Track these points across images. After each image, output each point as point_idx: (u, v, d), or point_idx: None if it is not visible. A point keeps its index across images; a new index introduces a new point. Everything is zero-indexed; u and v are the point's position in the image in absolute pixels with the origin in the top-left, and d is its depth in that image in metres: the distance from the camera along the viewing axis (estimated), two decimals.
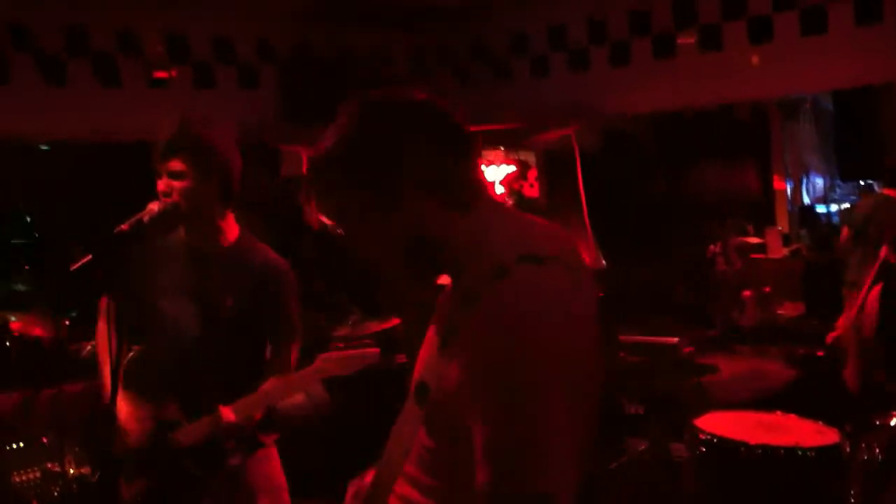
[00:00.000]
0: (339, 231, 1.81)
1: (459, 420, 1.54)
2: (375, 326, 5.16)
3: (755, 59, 6.74)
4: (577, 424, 1.55)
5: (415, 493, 1.73)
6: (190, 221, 3.27)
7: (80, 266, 3.02)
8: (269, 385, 3.10)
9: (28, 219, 7.38)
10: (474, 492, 1.51)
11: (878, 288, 4.42)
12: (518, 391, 1.48)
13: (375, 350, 2.95)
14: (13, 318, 5.13)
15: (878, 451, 3.47)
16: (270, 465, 3.36)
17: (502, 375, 1.48)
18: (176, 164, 3.14)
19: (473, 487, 1.51)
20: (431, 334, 1.81)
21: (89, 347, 5.06)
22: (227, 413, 3.05)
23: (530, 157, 8.39)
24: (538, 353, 1.50)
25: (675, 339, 5.20)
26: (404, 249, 1.70)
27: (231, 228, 3.33)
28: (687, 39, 7.05)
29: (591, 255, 7.55)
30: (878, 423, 3.53)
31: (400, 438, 1.72)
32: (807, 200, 10.03)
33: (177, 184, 3.14)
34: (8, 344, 5.01)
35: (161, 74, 6.69)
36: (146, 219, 3.02)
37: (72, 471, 3.95)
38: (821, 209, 10.05)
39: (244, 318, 3.20)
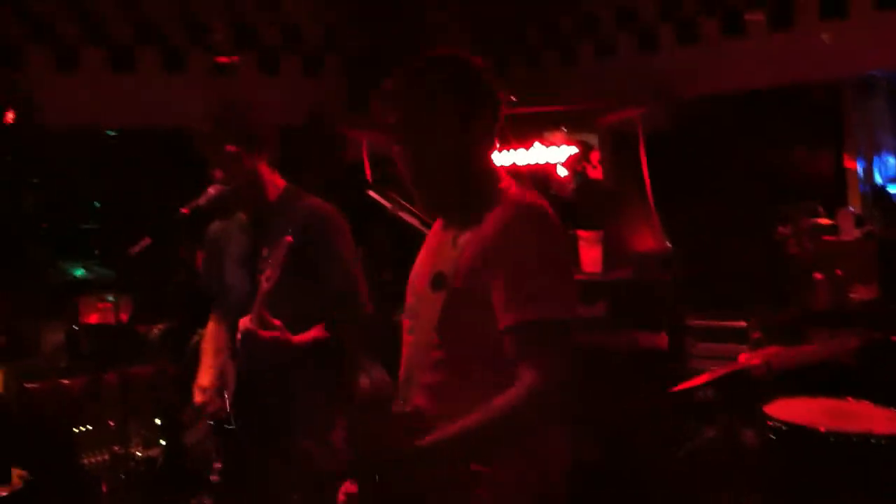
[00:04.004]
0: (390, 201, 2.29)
1: (479, 286, 2.07)
2: None
3: (826, 37, 6.57)
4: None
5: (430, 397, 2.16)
6: (242, 195, 3.34)
7: (140, 250, 3.06)
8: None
9: (97, 204, 7.48)
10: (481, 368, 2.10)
11: None
12: (548, 248, 2.08)
13: None
14: (110, 298, 5.19)
15: None
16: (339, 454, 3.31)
17: (534, 238, 2.08)
18: (231, 148, 3.21)
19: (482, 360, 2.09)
20: (432, 242, 2.36)
21: (156, 331, 5.13)
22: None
23: (593, 139, 8.31)
24: (552, 228, 2.12)
25: (745, 323, 5.11)
26: (452, 170, 2.20)
27: (275, 185, 3.37)
28: (755, 17, 6.91)
29: (656, 238, 7.45)
30: None
31: (423, 325, 2.19)
32: (879, 181, 9.79)
33: (229, 168, 3.22)
34: (76, 328, 5.09)
35: (223, 60, 6.74)
36: (204, 202, 3.11)
37: (139, 454, 4.01)
38: (894, 189, 9.79)
39: (292, 267, 3.09)
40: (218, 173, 3.25)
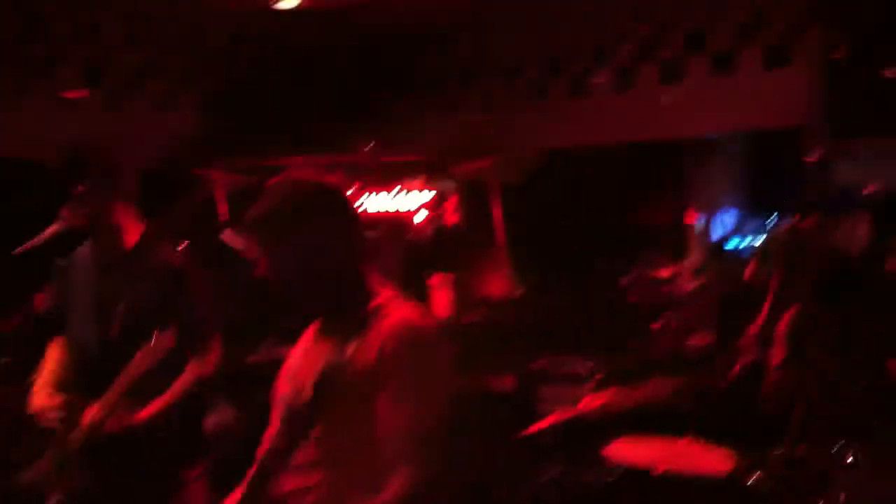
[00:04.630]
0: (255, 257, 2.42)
1: (364, 392, 2.22)
2: (285, 352, 5.10)
3: (665, 100, 6.95)
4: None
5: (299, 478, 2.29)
6: (95, 235, 3.27)
7: None
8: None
9: None
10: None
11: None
12: (424, 363, 2.23)
13: None
14: None
15: (780, 477, 3.54)
16: None
17: (413, 358, 2.22)
18: (81, 187, 3.14)
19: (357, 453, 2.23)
20: (311, 348, 2.45)
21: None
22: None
23: (450, 186, 8.48)
24: (428, 344, 2.28)
25: (588, 367, 5.26)
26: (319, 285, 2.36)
27: (130, 229, 3.29)
28: (600, 79, 7.27)
29: (506, 283, 7.61)
30: (776, 452, 3.61)
31: (299, 422, 2.29)
32: (717, 234, 10.26)
33: (84, 205, 3.14)
34: None
35: (72, 95, 6.59)
36: (43, 240, 3.04)
37: None
38: (732, 243, 10.28)
39: (142, 322, 3.06)
40: (65, 210, 3.16)
